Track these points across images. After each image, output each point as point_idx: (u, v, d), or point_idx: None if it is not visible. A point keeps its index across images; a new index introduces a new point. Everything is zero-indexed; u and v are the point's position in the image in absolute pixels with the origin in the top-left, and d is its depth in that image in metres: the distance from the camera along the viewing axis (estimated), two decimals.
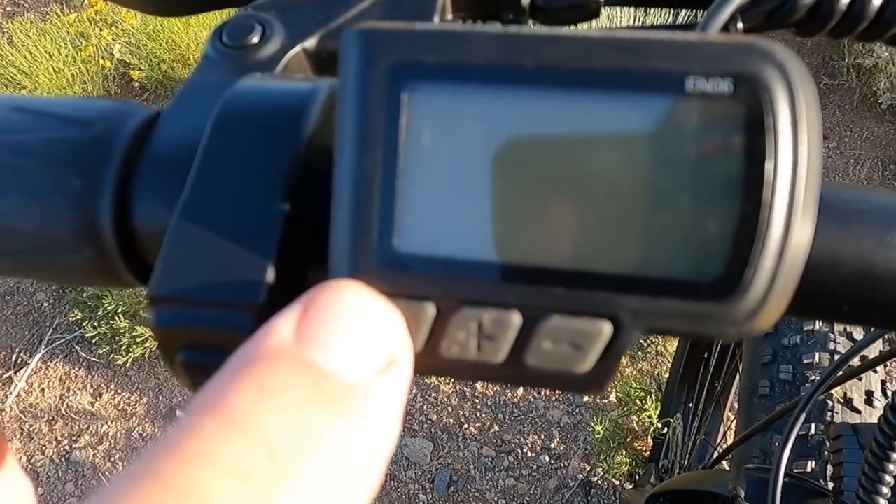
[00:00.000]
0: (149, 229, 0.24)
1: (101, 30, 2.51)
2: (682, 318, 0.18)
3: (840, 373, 0.69)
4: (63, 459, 1.88)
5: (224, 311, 0.20)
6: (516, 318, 0.19)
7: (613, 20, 1.91)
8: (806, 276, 0.21)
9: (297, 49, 0.29)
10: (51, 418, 1.94)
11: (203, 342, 0.20)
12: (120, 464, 1.87)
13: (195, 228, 0.21)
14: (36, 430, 1.93)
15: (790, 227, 0.17)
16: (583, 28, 0.18)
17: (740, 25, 0.30)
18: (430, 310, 0.19)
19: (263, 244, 0.20)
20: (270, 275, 0.20)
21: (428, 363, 0.20)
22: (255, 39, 0.29)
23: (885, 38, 0.30)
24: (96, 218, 0.24)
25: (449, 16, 0.31)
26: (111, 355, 1.95)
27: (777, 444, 1.05)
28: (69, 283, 0.28)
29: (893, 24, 0.29)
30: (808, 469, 0.98)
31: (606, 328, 0.18)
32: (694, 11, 0.33)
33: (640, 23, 1.82)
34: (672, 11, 1.78)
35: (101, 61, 2.42)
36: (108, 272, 0.25)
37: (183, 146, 0.25)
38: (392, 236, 0.19)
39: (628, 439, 1.70)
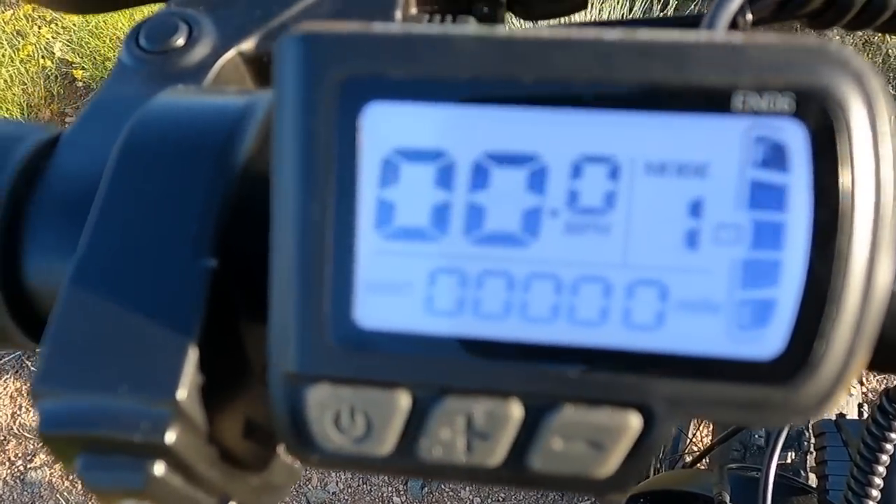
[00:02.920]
0: (42, 285, 0.19)
1: (39, 28, 2.40)
2: (732, 407, 0.14)
3: None
4: (17, 481, 1.79)
5: (133, 406, 0.15)
6: (517, 411, 0.14)
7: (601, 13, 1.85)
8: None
9: (231, 53, 0.24)
10: (2, 438, 1.85)
11: (107, 444, 0.15)
12: (78, 483, 1.79)
13: (92, 296, 0.16)
14: None
15: (871, 283, 0.13)
16: (577, 25, 0.14)
17: (749, 17, 0.26)
18: (404, 400, 0.14)
19: (184, 314, 0.16)
20: (193, 357, 0.15)
21: (403, 466, 0.15)
22: (181, 42, 0.24)
23: None
24: None
25: (413, 10, 0.27)
26: None
27: (757, 436, 1.04)
28: None
29: None
30: (789, 460, 0.97)
31: (634, 421, 0.14)
32: (693, 3, 0.29)
33: (629, 15, 1.76)
34: (664, 2, 1.72)
35: (42, 60, 2.31)
36: None
37: (84, 180, 0.20)
38: (351, 308, 0.14)
39: None
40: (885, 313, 0.14)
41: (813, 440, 0.81)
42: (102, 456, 0.16)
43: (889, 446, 0.56)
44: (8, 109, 2.28)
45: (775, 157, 0.13)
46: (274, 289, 0.15)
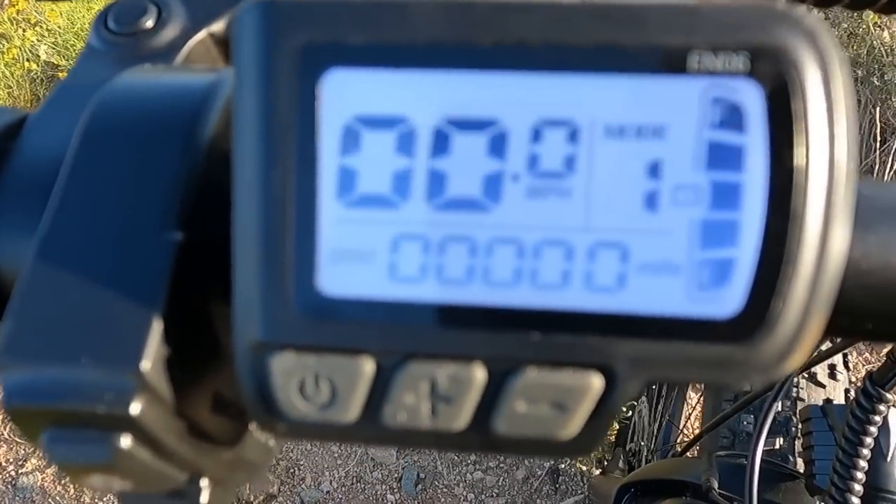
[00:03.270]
0: (7, 266, 0.19)
1: (24, 30, 2.38)
2: (692, 366, 0.14)
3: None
4: (9, 486, 1.78)
5: (97, 377, 0.15)
6: (480, 374, 0.14)
7: None
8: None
9: (202, 34, 0.24)
10: None
11: (73, 418, 0.15)
12: (71, 486, 1.78)
13: (57, 270, 0.16)
14: None
15: (827, 244, 0.13)
16: None
17: None
18: (368, 366, 0.15)
19: (148, 286, 0.16)
20: (157, 328, 0.15)
21: (368, 433, 0.15)
22: (150, 23, 0.24)
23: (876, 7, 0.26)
24: None
25: None
26: None
27: (746, 423, 1.04)
28: None
29: None
30: (777, 446, 0.98)
31: (596, 382, 0.14)
32: None
33: None
34: None
35: (27, 63, 2.30)
36: None
37: (50, 161, 0.19)
38: (314, 276, 0.14)
39: None
40: (840, 277, 0.14)
41: (800, 426, 0.81)
42: (69, 430, 0.15)
43: (873, 429, 0.56)
44: None
45: (732, 117, 0.13)
46: (237, 259, 0.15)
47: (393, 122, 0.14)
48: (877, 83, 2.05)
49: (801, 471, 0.82)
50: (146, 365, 0.15)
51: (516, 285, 0.14)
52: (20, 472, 1.79)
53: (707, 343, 0.14)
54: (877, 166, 1.96)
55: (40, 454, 1.78)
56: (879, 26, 2.13)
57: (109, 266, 0.16)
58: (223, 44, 0.24)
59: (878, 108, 2.03)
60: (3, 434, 1.84)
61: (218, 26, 0.24)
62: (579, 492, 1.68)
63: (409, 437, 0.15)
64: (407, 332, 0.14)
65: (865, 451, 0.56)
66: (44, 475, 1.78)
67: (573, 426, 0.14)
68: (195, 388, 0.17)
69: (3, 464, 1.81)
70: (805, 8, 0.13)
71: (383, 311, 0.14)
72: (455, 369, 0.14)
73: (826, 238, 0.13)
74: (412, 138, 0.14)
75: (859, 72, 2.06)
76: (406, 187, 0.14)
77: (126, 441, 0.15)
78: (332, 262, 0.14)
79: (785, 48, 0.13)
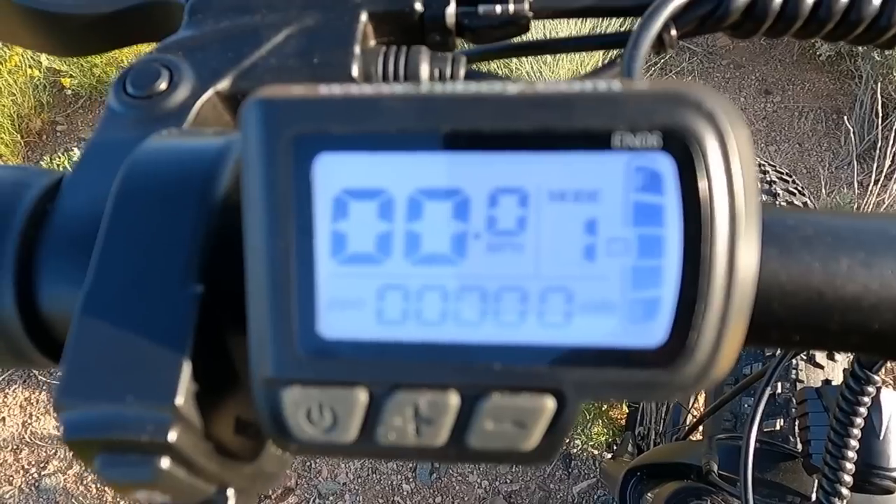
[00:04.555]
0: (57, 312, 0.22)
1: None
2: (627, 388, 0.17)
3: None
4: (32, 488, 1.83)
5: (140, 412, 0.18)
6: (454, 399, 0.17)
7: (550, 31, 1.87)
8: (755, 309, 0.20)
9: (209, 93, 0.27)
10: (15, 447, 1.89)
11: (121, 445, 0.19)
12: (93, 486, 1.83)
13: (100, 322, 0.19)
14: (1, 461, 1.87)
15: (733, 283, 0.16)
16: (501, 83, 0.17)
17: (674, 33, 0.29)
18: (362, 396, 0.18)
19: (178, 333, 0.19)
20: (187, 369, 0.18)
21: (365, 450, 0.18)
22: (163, 86, 0.26)
23: (822, 35, 0.29)
24: None
25: (371, 42, 0.29)
26: None
27: (747, 406, 1.06)
28: None
29: (828, 21, 0.28)
30: (778, 427, 1.00)
31: (549, 403, 0.17)
32: (626, 19, 0.31)
33: (576, 31, 1.79)
34: (604, 20, 1.76)
35: (29, 70, 2.32)
36: (19, 356, 0.23)
37: (87, 219, 0.23)
38: (314, 322, 0.17)
39: (604, 409, 1.72)
40: (749, 311, 0.17)
41: (797, 407, 0.84)
42: (117, 455, 0.19)
43: (862, 409, 0.59)
44: None
45: (652, 182, 0.16)
46: (251, 309, 0.18)
47: (374, 194, 0.17)
48: (877, 58, 2.06)
49: (800, 450, 0.85)
50: (180, 400, 0.18)
51: (481, 324, 0.17)
52: (42, 473, 1.84)
53: (638, 369, 0.17)
54: (879, 142, 1.98)
55: (62, 457, 1.83)
56: None
57: (144, 316, 0.19)
58: (228, 100, 0.27)
59: (878, 84, 2.04)
60: (24, 438, 1.89)
61: (223, 85, 0.27)
62: (591, 475, 1.71)
63: (399, 452, 0.18)
64: (393, 367, 0.17)
65: (856, 431, 0.59)
66: (66, 476, 1.82)
67: (533, 440, 0.18)
68: (220, 414, 0.20)
69: (26, 466, 1.85)
70: (708, 89, 0.16)
71: (373, 350, 0.17)
72: (434, 396, 0.17)
73: (732, 277, 0.16)
74: (391, 206, 0.17)
75: (860, 48, 2.07)
76: (388, 246, 0.17)
77: (165, 463, 0.18)
78: (329, 310, 0.17)
79: (688, 127, 0.16)
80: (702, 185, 0.16)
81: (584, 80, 0.16)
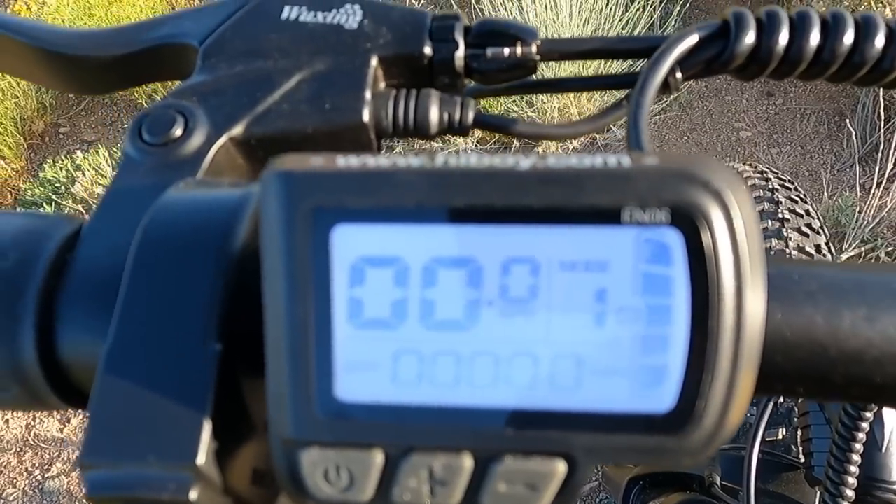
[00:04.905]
0: (76, 359, 0.23)
1: None
2: (636, 453, 0.17)
3: None
4: (36, 490, 1.84)
5: (161, 472, 0.19)
6: (468, 462, 0.18)
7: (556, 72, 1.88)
8: (761, 364, 0.20)
9: (223, 139, 0.27)
10: (19, 449, 1.89)
11: (143, 503, 0.19)
12: None
13: (122, 380, 0.19)
14: (4, 464, 1.88)
15: (739, 352, 0.17)
16: (513, 158, 0.17)
17: (679, 75, 0.29)
18: (378, 457, 0.18)
19: (198, 393, 0.19)
20: (207, 428, 0.19)
21: None
22: (178, 132, 0.27)
23: (826, 77, 0.29)
24: (19, 357, 0.22)
25: (382, 84, 0.30)
26: None
27: (749, 414, 1.07)
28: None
29: (831, 64, 0.29)
30: (780, 437, 1.00)
31: (561, 467, 0.18)
32: (632, 62, 0.32)
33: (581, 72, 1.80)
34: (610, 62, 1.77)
35: None
36: (35, 400, 0.24)
37: (107, 268, 0.23)
38: (332, 386, 0.18)
39: None
40: (754, 382, 0.17)
41: (799, 418, 0.84)
42: None
43: (864, 424, 0.60)
44: (1, 123, 2.30)
45: (660, 254, 0.17)
46: (269, 371, 0.18)
47: (390, 262, 0.18)
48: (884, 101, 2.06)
49: (801, 458, 0.85)
50: (201, 459, 0.18)
51: (494, 388, 0.18)
52: (46, 476, 1.84)
53: (647, 434, 0.17)
54: (882, 144, 1.98)
55: (66, 459, 1.84)
56: (882, 3, 2.13)
57: (164, 375, 0.19)
58: (242, 146, 0.28)
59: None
60: (27, 440, 1.89)
61: (237, 130, 0.27)
62: (594, 479, 1.72)
63: None
64: (408, 430, 0.18)
65: (858, 445, 0.59)
66: (69, 479, 1.83)
67: (544, 502, 0.18)
68: (237, 467, 0.20)
69: (30, 468, 1.86)
70: (713, 163, 0.17)
71: (389, 412, 0.18)
72: (448, 458, 0.18)
73: (739, 346, 0.17)
74: (406, 274, 0.18)
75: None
76: (403, 312, 0.18)
77: None
78: (346, 373, 0.18)
79: (696, 204, 0.16)
80: (709, 257, 0.16)
81: (595, 155, 0.17)
